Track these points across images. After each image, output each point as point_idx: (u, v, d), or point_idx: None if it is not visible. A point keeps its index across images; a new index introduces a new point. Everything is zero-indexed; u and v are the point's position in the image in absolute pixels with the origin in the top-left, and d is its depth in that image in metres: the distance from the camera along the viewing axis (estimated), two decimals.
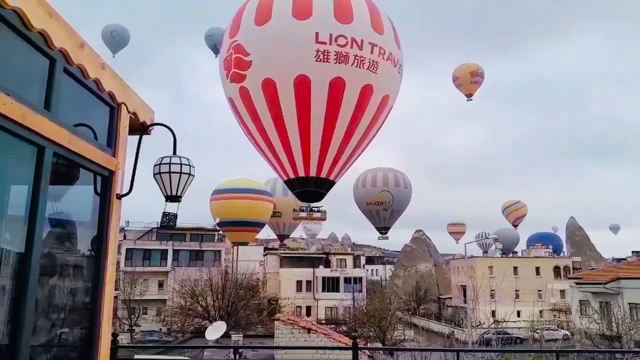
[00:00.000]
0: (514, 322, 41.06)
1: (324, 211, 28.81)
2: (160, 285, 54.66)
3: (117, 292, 43.81)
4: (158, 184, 4.90)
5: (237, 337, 26.00)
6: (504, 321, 29.64)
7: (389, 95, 19.51)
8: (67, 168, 3.50)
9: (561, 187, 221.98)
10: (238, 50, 18.14)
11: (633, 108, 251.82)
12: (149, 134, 4.58)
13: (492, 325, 31.06)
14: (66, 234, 3.73)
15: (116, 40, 44.05)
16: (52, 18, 2.93)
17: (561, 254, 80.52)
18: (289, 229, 59.29)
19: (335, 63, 17.38)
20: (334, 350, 11.84)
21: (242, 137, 21.09)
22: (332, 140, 18.92)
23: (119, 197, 4.03)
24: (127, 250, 54.56)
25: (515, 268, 62.57)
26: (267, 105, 18.30)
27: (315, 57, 17.22)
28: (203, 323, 36.89)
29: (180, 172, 4.85)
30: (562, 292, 58.06)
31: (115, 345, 5.78)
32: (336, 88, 17.70)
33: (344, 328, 40.17)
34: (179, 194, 4.91)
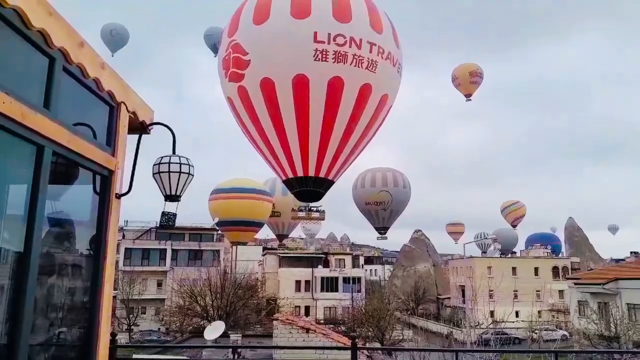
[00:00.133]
0: (513, 322, 41.17)
1: (323, 211, 28.83)
2: (159, 284, 54.60)
3: (116, 291, 43.78)
4: (157, 183, 4.89)
5: (235, 337, 26.02)
6: (503, 321, 29.69)
7: (388, 95, 19.50)
8: (66, 167, 3.50)
9: (561, 187, 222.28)
10: (236, 49, 18.12)
11: (633, 108, 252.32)
12: (149, 134, 4.58)
13: (491, 326, 31.12)
14: (65, 234, 3.73)
15: (115, 39, 43.98)
16: (51, 17, 2.93)
17: (560, 255, 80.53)
18: (288, 229, 59.26)
19: (334, 62, 17.35)
20: (333, 350, 11.84)
21: (242, 137, 21.09)
22: (331, 140, 18.90)
23: (118, 196, 4.03)
24: (126, 249, 54.51)
25: (514, 268, 62.62)
26: (265, 104, 18.28)
27: (314, 56, 17.19)
28: (202, 323, 36.87)
29: (180, 172, 4.85)
30: (561, 292, 58.12)
31: (113, 345, 5.77)
32: (335, 87, 17.68)
33: (343, 328, 40.16)
34: (178, 193, 4.91)
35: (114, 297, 34.09)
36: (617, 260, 66.39)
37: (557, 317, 55.54)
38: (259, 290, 49.51)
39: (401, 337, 38.07)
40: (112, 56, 43.91)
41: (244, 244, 55.49)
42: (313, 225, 61.03)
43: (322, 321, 47.79)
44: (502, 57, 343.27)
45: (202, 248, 57.92)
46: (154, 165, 4.88)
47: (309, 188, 19.96)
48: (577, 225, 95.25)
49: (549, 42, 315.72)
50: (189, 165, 4.92)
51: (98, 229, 3.85)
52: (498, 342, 18.32)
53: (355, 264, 64.63)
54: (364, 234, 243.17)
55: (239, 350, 17.50)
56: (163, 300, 51.72)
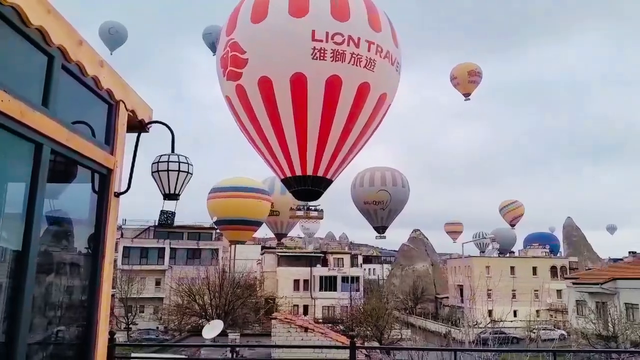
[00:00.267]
0: (511, 321, 41.23)
1: (321, 210, 28.84)
2: (158, 283, 54.57)
3: (114, 290, 43.77)
4: (156, 182, 4.88)
5: (234, 336, 26.06)
6: (501, 321, 29.71)
7: (387, 94, 19.48)
8: (65, 165, 3.49)
9: (560, 187, 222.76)
10: (234, 48, 18.09)
11: (633, 108, 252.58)
12: (147, 132, 4.57)
13: (489, 325, 31.17)
14: (63, 232, 3.72)
15: (114, 37, 43.90)
16: (50, 15, 2.92)
17: (558, 254, 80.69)
18: (286, 228, 59.28)
19: (332, 61, 17.31)
20: (331, 349, 11.85)
21: (241, 136, 21.07)
22: (329, 139, 18.87)
23: (117, 195, 4.02)
24: (124, 248, 54.49)
25: (512, 268, 62.73)
26: (263, 103, 18.25)
27: (312, 55, 17.16)
28: (200, 322, 36.92)
29: (179, 170, 4.84)
30: (559, 292, 58.26)
31: (112, 344, 5.77)
32: (333, 86, 17.65)
33: (341, 327, 40.19)
34: (177, 192, 4.90)
35: (113, 295, 34.09)
36: (615, 260, 66.51)
37: (555, 317, 55.64)
38: (258, 289, 49.54)
39: (399, 337, 38.13)
40: (111, 54, 43.87)
41: (243, 242, 55.51)
42: (312, 224, 61.11)
43: (320, 320, 47.81)
44: (502, 57, 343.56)
45: (200, 247, 57.90)
46: (152, 163, 4.87)
47: (307, 187, 19.95)
48: (575, 225, 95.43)
49: (549, 42, 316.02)
50: (187, 163, 4.91)
51: (96, 227, 3.84)
52: (496, 341, 18.33)
53: (353, 263, 64.68)
54: (363, 233, 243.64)
55: (237, 349, 17.53)
56: (161, 299, 51.73)
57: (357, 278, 59.77)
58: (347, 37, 17.36)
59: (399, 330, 39.93)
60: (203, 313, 38.52)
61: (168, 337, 43.03)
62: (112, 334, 5.35)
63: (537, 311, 51.36)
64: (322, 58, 17.21)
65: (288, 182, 20.39)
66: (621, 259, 59.84)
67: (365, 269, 73.50)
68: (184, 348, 23.76)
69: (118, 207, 4.07)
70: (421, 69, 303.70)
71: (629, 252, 58.38)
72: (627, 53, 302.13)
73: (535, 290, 55.76)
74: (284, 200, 46.90)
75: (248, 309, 41.69)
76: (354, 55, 17.47)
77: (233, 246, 55.66)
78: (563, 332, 44.15)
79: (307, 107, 17.98)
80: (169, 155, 4.88)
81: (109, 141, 3.93)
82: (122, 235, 55.87)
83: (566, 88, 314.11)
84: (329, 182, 20.50)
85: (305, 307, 56.61)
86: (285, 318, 13.86)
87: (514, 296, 55.75)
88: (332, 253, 66.32)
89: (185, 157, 4.92)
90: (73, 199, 3.86)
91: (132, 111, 4.19)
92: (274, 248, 69.84)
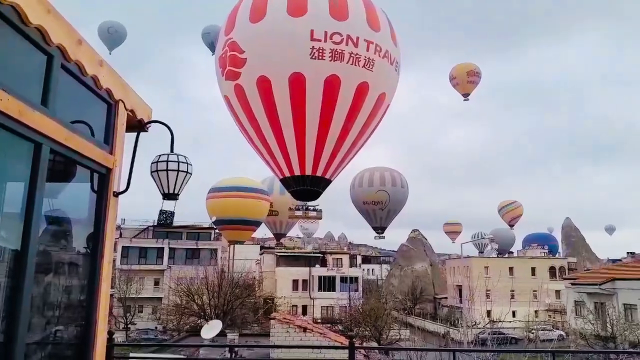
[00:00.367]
0: (510, 322, 41.26)
1: (320, 210, 28.82)
2: (156, 283, 54.55)
3: (113, 290, 43.70)
4: (155, 181, 4.88)
5: (232, 336, 26.06)
6: (500, 321, 29.74)
7: (386, 93, 19.46)
8: (64, 165, 3.49)
9: (559, 188, 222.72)
10: (233, 47, 18.07)
11: (633, 108, 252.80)
12: (147, 132, 4.57)
13: (488, 325, 31.20)
14: (62, 232, 3.72)
15: (113, 37, 43.86)
16: (50, 14, 2.92)
17: (557, 255, 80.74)
18: (285, 228, 59.28)
19: (331, 61, 17.29)
20: (330, 349, 11.85)
21: (241, 136, 21.07)
22: (328, 139, 18.86)
23: (116, 194, 4.02)
24: (123, 248, 54.46)
25: (510, 268, 62.80)
26: (262, 103, 18.24)
27: (310, 54, 17.14)
28: (199, 322, 36.89)
29: (178, 170, 4.83)
30: (558, 292, 58.30)
31: (110, 344, 5.76)
32: (331, 86, 17.63)
33: (340, 327, 40.19)
34: (176, 191, 4.89)
35: (111, 295, 34.05)
36: (614, 261, 66.53)
37: (554, 317, 55.70)
38: (256, 289, 49.53)
39: (398, 337, 38.14)
40: (110, 54, 43.82)
41: (242, 242, 55.46)
42: (311, 224, 61.12)
43: (319, 320, 47.79)
44: (502, 57, 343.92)
45: (199, 247, 57.87)
46: (151, 163, 4.87)
47: (306, 187, 19.94)
48: (574, 225, 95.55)
49: (549, 42, 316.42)
50: (187, 163, 4.90)
51: (95, 227, 3.84)
52: (495, 341, 18.37)
53: (352, 264, 64.71)
54: (362, 234, 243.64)
55: (236, 349, 17.51)
56: (160, 299, 51.70)
57: (356, 278, 59.77)
58: (346, 36, 17.34)
59: (398, 330, 39.93)
60: (202, 313, 38.48)
61: (167, 337, 42.99)
62: (110, 333, 5.34)
63: (536, 311, 51.40)
64: (320, 57, 17.20)
65: (287, 182, 20.38)
66: (620, 260, 59.85)
67: (364, 269, 73.50)
68: (182, 348, 23.76)
69: (117, 207, 4.07)
70: (421, 69, 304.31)
71: (628, 253, 58.34)
72: (627, 53, 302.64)
73: (534, 291, 55.82)
74: (283, 200, 46.90)
75: (247, 309, 41.69)
76: (352, 55, 17.45)
77: (232, 246, 55.62)
78: (561, 332, 44.21)
79: (306, 106, 17.96)
80: (168, 154, 4.87)
81: (108, 141, 3.93)
82: (121, 235, 55.82)
83: (566, 88, 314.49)
84: (327, 182, 20.49)
85: (304, 307, 56.59)
86: (284, 318, 13.85)
87: (512, 296, 55.87)
88: (331, 253, 66.33)
89: (185, 156, 4.92)
90: (72, 198, 3.86)
91: (132, 111, 4.19)
92: (272, 248, 69.82)
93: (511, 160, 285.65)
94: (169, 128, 4.76)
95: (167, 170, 4.81)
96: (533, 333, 38.27)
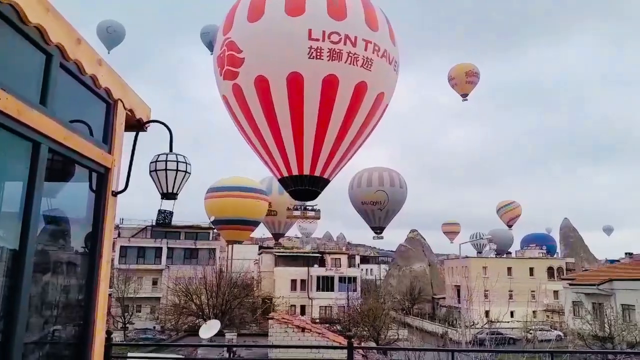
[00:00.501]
0: (508, 322, 41.22)
1: (318, 210, 28.82)
2: (154, 283, 54.53)
3: (111, 289, 43.65)
4: (154, 181, 4.87)
5: (231, 336, 26.04)
6: (498, 321, 29.71)
7: (384, 93, 19.44)
8: (62, 164, 3.48)
9: (559, 188, 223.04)
10: (231, 47, 18.04)
11: (633, 108, 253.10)
12: (146, 131, 4.56)
13: (486, 326, 31.22)
14: (61, 231, 3.71)
15: (112, 36, 43.82)
16: (49, 13, 2.91)
17: (555, 255, 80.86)
18: (284, 228, 59.26)
19: (329, 60, 17.25)
20: (329, 349, 11.84)
21: (240, 136, 21.05)
22: (326, 139, 18.83)
23: (115, 194, 4.01)
24: (122, 247, 54.39)
25: (509, 268, 62.85)
26: (260, 102, 18.21)
27: (308, 54, 17.11)
28: (197, 321, 36.87)
29: (177, 170, 4.83)
30: (556, 292, 58.35)
31: (109, 343, 5.76)
32: (329, 85, 17.60)
33: (339, 327, 40.20)
34: (175, 191, 4.89)
35: (110, 295, 34.01)
36: (612, 261, 66.57)
37: (552, 318, 55.75)
38: (255, 289, 49.53)
39: (396, 337, 38.16)
40: (109, 53, 43.76)
41: (240, 242, 55.45)
42: (309, 224, 61.08)
43: (317, 320, 47.80)
44: (502, 57, 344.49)
45: (197, 246, 57.85)
46: (150, 163, 4.86)
47: (305, 187, 19.92)
48: (572, 226, 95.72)
49: (549, 42, 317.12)
50: (185, 163, 4.89)
51: (94, 226, 3.83)
52: (493, 342, 18.38)
53: (351, 264, 64.68)
54: (360, 234, 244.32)
55: (234, 349, 17.50)
56: (158, 298, 51.68)
57: (355, 278, 59.78)
58: (344, 36, 17.31)
59: (396, 330, 39.96)
60: (200, 313, 38.46)
61: (165, 336, 42.94)
62: (109, 333, 5.33)
63: (534, 312, 51.45)
64: (318, 57, 17.17)
65: (285, 182, 20.37)
66: (618, 260, 59.89)
67: (362, 269, 73.54)
68: (180, 348, 23.74)
69: (115, 206, 4.06)
70: (421, 69, 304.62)
71: (626, 254, 58.35)
72: (627, 53, 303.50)
73: (532, 291, 55.85)
74: (281, 200, 46.90)
75: (245, 309, 41.67)
76: (350, 55, 17.43)
77: (230, 246, 55.59)
78: (559, 332, 44.24)
79: (304, 106, 17.94)
80: (167, 154, 4.86)
81: (107, 140, 3.92)
82: (119, 235, 55.74)
83: (566, 88, 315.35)
84: (326, 182, 20.48)
85: (303, 307, 56.59)
86: (283, 318, 13.84)
87: (510, 297, 55.93)
88: (329, 253, 66.32)
89: (184, 156, 4.91)
90: (70, 197, 3.85)
91: (130, 110, 4.18)
92: (271, 248, 69.82)
93: (511, 160, 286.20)
94: (167, 127, 4.75)
95: (165, 169, 4.81)
96: (531, 333, 38.28)
